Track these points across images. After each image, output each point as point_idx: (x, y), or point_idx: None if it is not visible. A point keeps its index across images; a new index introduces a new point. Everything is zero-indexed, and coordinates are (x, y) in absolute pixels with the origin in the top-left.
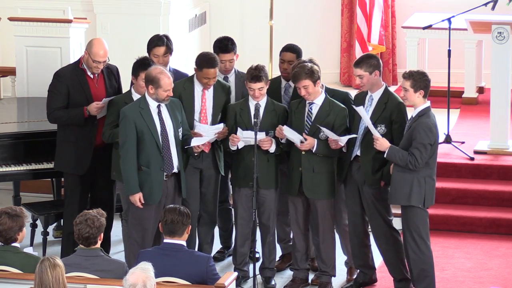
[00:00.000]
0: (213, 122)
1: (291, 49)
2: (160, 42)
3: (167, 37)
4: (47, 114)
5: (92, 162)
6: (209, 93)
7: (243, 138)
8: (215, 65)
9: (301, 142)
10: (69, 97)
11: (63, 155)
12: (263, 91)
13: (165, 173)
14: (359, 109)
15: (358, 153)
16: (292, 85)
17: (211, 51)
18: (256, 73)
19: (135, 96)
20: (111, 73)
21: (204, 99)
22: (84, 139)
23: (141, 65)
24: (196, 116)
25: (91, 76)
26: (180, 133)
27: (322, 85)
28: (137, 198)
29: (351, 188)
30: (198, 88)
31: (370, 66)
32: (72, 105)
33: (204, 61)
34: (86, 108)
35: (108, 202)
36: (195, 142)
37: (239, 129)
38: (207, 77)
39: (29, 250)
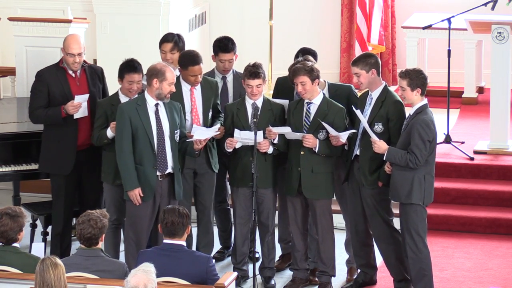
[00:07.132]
0: (205, 120)
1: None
2: (169, 38)
3: (178, 35)
4: (28, 113)
5: (78, 163)
6: (197, 91)
7: (241, 139)
8: (199, 62)
9: (302, 136)
10: (49, 96)
11: (47, 155)
12: (260, 89)
13: (159, 172)
14: (357, 112)
15: (358, 152)
16: None
17: (211, 51)
18: (254, 69)
19: (122, 98)
20: (95, 73)
21: (193, 98)
22: (67, 139)
23: (126, 67)
24: (188, 116)
25: (73, 75)
26: (177, 135)
27: (325, 81)
28: (136, 192)
29: (353, 188)
30: (185, 88)
31: (366, 65)
32: (53, 104)
33: (188, 60)
34: (63, 107)
35: (96, 203)
36: (197, 135)
37: (236, 130)
38: (194, 74)
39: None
